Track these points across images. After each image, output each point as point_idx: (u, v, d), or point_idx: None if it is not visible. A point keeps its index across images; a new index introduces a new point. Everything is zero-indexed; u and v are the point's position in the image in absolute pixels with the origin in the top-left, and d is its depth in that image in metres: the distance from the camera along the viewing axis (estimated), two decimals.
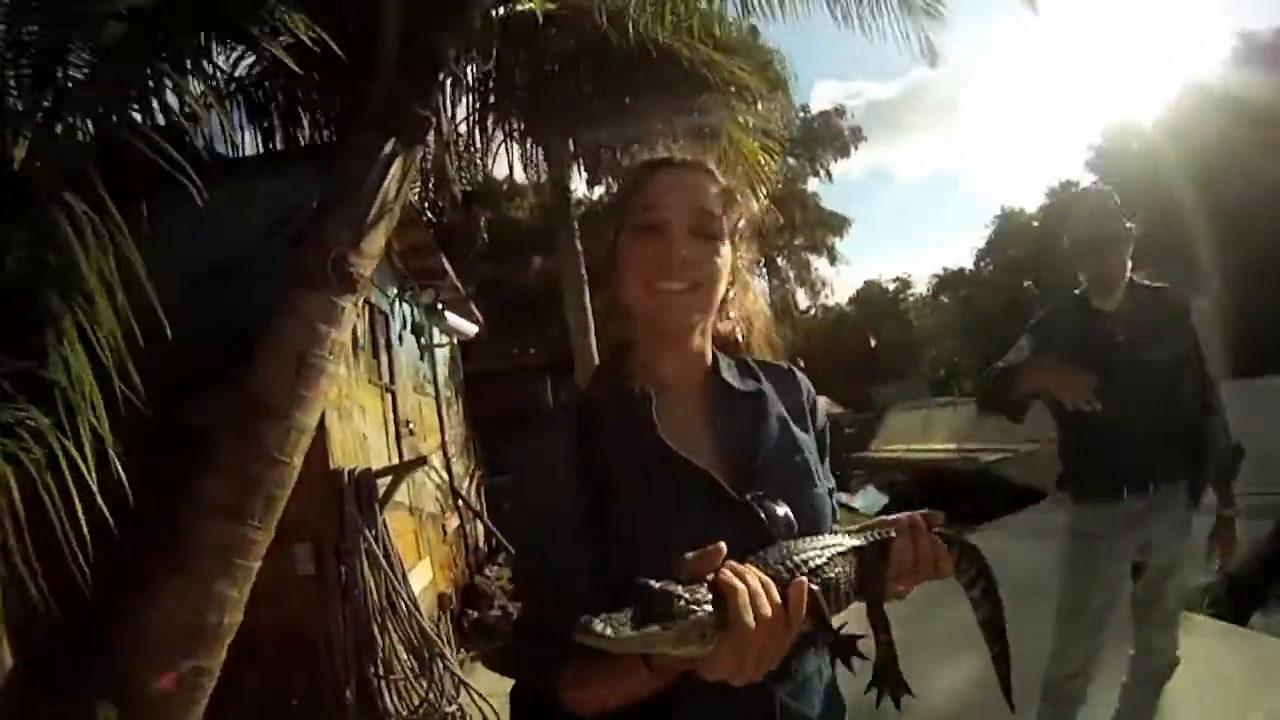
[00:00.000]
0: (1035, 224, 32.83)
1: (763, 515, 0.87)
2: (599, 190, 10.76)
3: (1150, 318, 2.30)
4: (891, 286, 41.27)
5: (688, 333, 0.97)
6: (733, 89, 7.16)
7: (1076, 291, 2.42)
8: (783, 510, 0.88)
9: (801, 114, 23.78)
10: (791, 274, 26.24)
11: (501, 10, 5.31)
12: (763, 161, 6.85)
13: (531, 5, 5.15)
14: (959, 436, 13.83)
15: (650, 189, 0.96)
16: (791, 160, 21.90)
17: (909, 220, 76.10)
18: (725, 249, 0.96)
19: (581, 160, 8.53)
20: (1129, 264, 2.29)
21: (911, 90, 68.95)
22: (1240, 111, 18.81)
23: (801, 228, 24.77)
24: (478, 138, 7.05)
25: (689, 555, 0.73)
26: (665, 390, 0.96)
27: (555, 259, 9.26)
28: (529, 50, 6.38)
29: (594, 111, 7.30)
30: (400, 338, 6.30)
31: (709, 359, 1.01)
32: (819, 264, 26.64)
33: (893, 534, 0.83)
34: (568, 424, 0.95)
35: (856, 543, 0.82)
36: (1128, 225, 2.29)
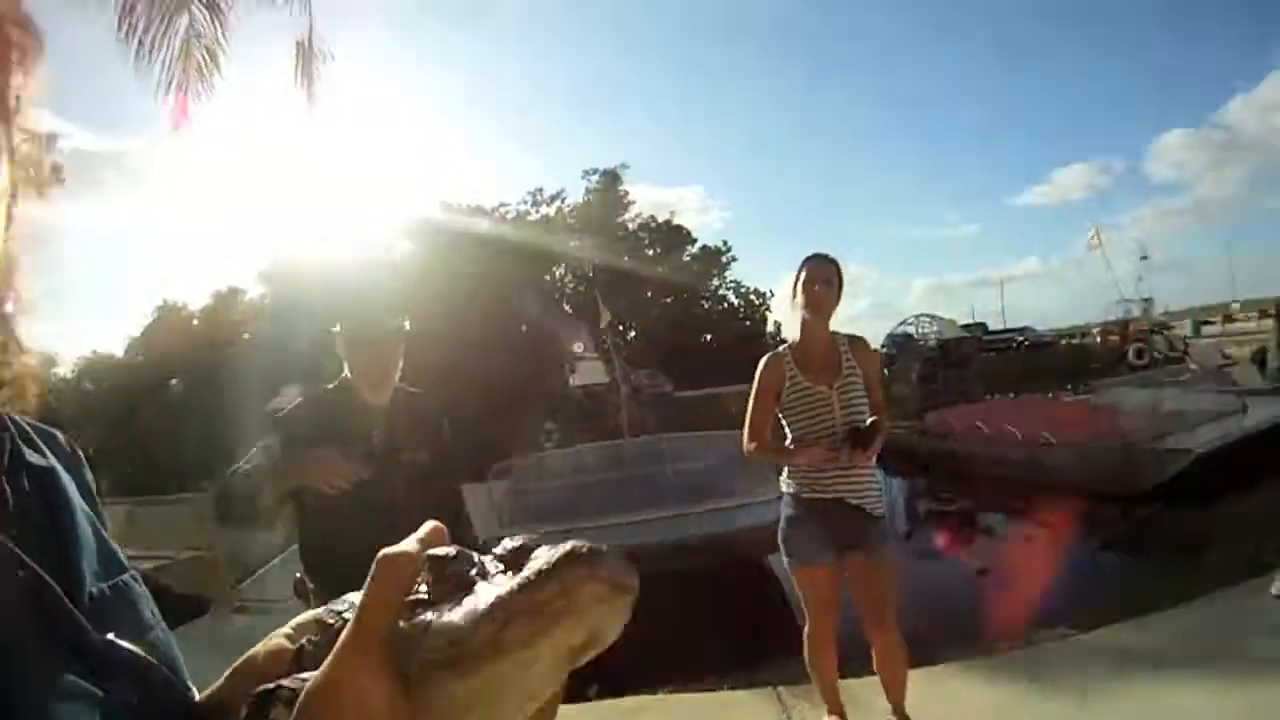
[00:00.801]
0: (195, 321, 34.58)
1: (131, 661, 0.51)
2: None
3: (411, 419, 2.29)
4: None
5: None
6: None
7: (331, 385, 2.29)
8: (135, 655, 0.52)
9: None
10: None
11: None
12: None
13: None
14: (115, 539, 14.72)
15: None
16: None
17: (68, 293, 70.33)
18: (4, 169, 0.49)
19: None
20: (400, 362, 2.25)
21: (120, 153, 62.78)
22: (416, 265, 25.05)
23: None
24: None
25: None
26: None
27: None
28: None
29: None
30: None
31: None
32: None
33: None
34: None
35: None
36: (404, 324, 2.26)
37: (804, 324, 2.94)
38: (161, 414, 28.85)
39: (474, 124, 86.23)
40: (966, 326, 23.86)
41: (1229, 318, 36.08)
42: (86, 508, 0.59)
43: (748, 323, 37.70)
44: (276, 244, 29.07)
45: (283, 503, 2.14)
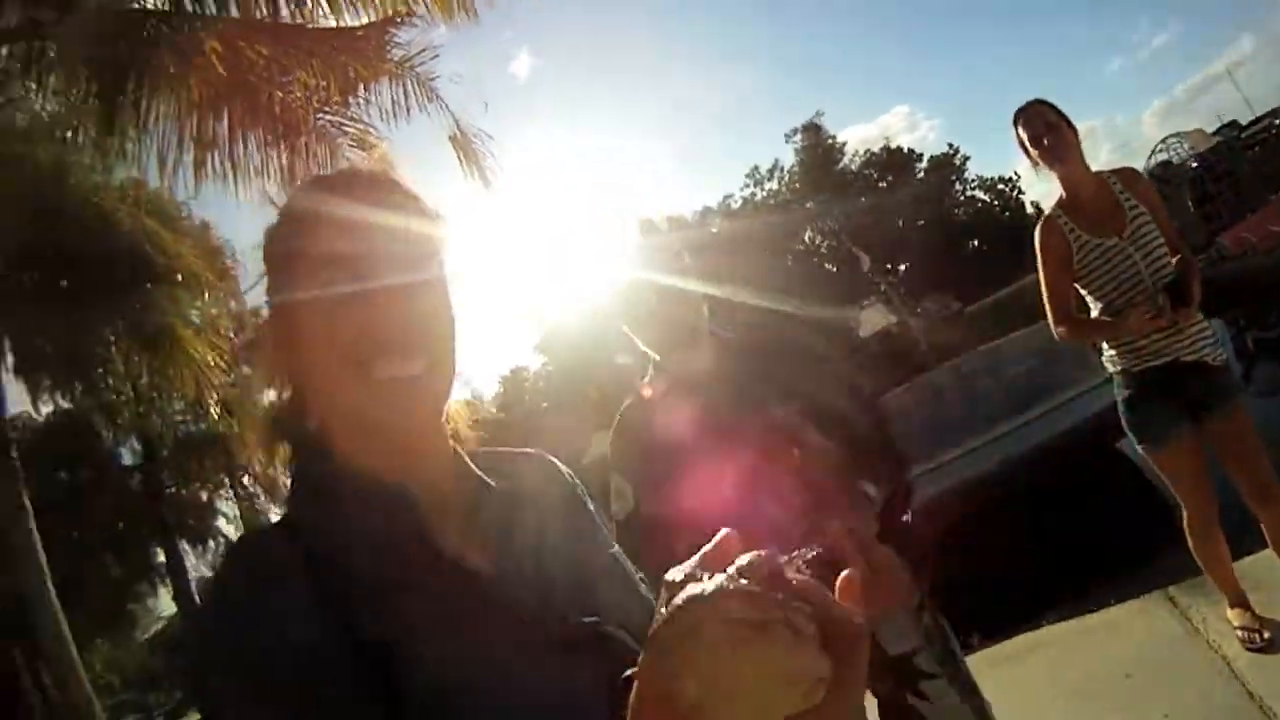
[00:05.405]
0: (495, 410, 33.50)
1: (603, 643, 0.63)
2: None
3: (765, 362, 1.80)
4: None
5: (430, 427, 0.69)
6: (179, 276, 6.87)
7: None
8: (620, 634, 0.64)
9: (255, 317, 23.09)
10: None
11: None
12: (211, 362, 6.60)
13: None
14: None
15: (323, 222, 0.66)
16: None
17: None
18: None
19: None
20: (706, 314, 1.82)
21: None
22: None
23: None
24: None
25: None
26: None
27: None
28: None
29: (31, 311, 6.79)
30: None
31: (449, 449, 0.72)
32: None
33: None
34: (276, 550, 0.63)
35: None
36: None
37: (1062, 179, 2.55)
38: None
39: (663, 127, 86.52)
40: (1217, 131, 19.95)
41: None
42: (564, 516, 0.73)
43: (1006, 214, 35.93)
44: (540, 314, 30.45)
45: None
